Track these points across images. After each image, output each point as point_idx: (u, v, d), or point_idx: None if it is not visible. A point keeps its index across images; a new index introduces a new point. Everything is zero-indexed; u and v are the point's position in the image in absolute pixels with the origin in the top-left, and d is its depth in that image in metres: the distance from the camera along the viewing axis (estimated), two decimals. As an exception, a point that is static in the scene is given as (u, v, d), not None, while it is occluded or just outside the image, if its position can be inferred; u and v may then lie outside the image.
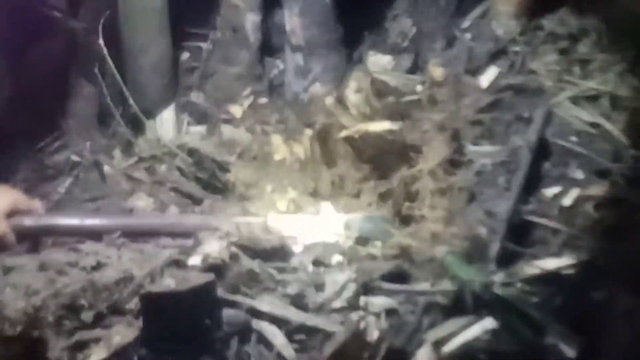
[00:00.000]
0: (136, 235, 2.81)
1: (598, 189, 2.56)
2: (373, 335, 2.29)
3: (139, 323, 2.36)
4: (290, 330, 2.35)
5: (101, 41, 3.18)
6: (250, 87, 3.47)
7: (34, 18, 3.15)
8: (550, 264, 2.40)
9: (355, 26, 3.43)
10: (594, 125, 2.74)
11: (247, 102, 3.43)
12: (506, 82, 3.01)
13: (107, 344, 2.35)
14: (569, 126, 2.77)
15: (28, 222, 2.83)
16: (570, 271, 2.36)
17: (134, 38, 3.36)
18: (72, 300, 2.42)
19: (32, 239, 2.84)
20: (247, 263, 2.51)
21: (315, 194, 3.14)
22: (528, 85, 2.96)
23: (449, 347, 2.26)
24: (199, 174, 3.14)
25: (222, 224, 2.71)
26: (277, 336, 2.34)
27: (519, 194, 2.61)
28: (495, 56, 3.12)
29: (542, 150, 2.72)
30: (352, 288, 2.44)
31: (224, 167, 3.18)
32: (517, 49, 3.10)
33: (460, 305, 2.34)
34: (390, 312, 2.38)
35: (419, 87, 3.23)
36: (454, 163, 2.85)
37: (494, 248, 2.47)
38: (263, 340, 2.34)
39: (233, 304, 2.39)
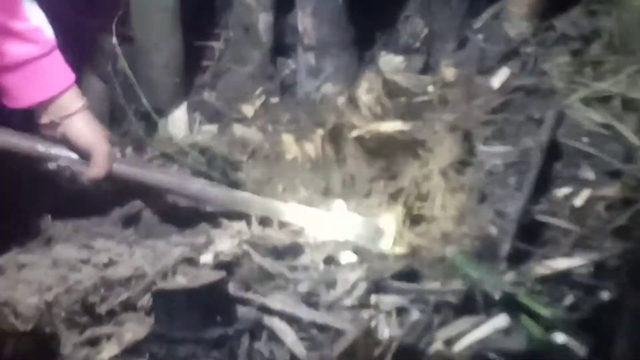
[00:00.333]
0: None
1: (609, 190, 2.56)
2: (384, 333, 2.30)
3: (151, 320, 2.38)
4: (301, 328, 2.36)
5: (114, 39, 3.19)
6: (262, 86, 3.47)
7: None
8: (561, 264, 2.40)
9: (367, 27, 3.43)
10: (605, 126, 2.74)
11: (258, 102, 3.43)
12: (518, 83, 3.01)
13: (119, 340, 2.37)
14: (580, 127, 2.77)
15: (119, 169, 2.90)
16: (581, 271, 2.36)
17: (146, 37, 3.36)
18: (85, 297, 2.43)
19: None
20: (259, 260, 2.52)
21: (326, 193, 3.14)
22: (540, 86, 2.96)
23: (459, 346, 2.26)
24: (211, 173, 3.15)
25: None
26: (288, 334, 2.35)
27: (530, 194, 2.61)
28: (507, 57, 3.12)
29: (553, 150, 2.72)
30: (363, 286, 2.45)
31: (235, 166, 3.19)
32: (529, 50, 3.10)
33: (471, 304, 2.34)
34: (400, 311, 2.38)
35: (430, 88, 3.23)
36: (465, 163, 2.86)
37: (505, 248, 2.47)
38: (274, 337, 2.35)
39: (244, 302, 2.40)
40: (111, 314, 2.44)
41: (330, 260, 2.59)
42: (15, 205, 2.96)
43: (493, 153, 2.83)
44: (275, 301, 2.40)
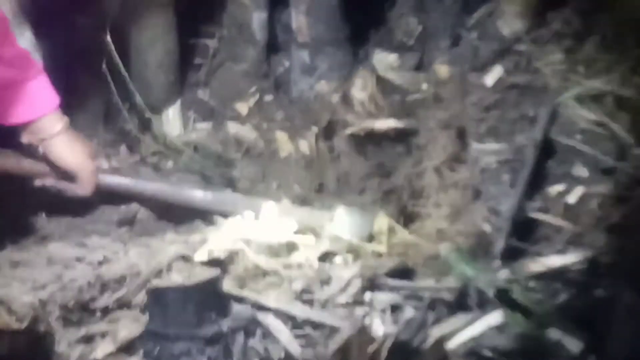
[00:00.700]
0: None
1: (603, 187, 2.57)
2: (378, 330, 2.31)
3: (146, 317, 2.38)
4: (296, 325, 2.36)
5: (108, 37, 3.19)
6: (256, 84, 3.47)
7: (40, 14, 3.15)
8: (555, 261, 2.41)
9: (361, 24, 3.43)
10: (598, 124, 2.75)
11: (253, 100, 3.43)
12: (511, 80, 3.01)
13: (114, 338, 2.37)
14: (573, 125, 2.77)
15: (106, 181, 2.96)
16: (575, 268, 2.37)
17: (140, 34, 3.36)
18: (79, 295, 2.43)
19: None
20: (253, 258, 2.52)
21: (320, 191, 3.15)
22: (533, 84, 2.96)
23: (453, 343, 2.27)
24: (205, 171, 3.15)
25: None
26: (282, 331, 2.35)
27: (524, 192, 2.61)
28: (500, 55, 3.12)
29: (546, 148, 2.73)
30: (357, 284, 2.45)
31: (229, 164, 3.19)
32: (522, 48, 3.10)
33: (465, 301, 2.35)
34: (395, 308, 2.39)
35: (424, 86, 3.24)
36: (458, 161, 2.87)
37: (499, 245, 2.48)
38: (268, 335, 2.35)
39: (239, 299, 2.41)
40: (106, 311, 2.44)
41: (324, 258, 2.59)
42: (10, 203, 2.96)
43: (487, 150, 2.83)
44: (270, 298, 2.40)
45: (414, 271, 2.54)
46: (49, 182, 2.89)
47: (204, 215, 2.94)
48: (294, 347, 2.31)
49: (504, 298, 2.30)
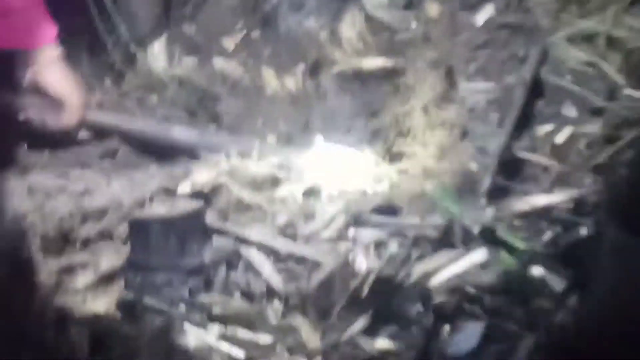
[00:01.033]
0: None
1: (591, 127, 2.55)
2: (361, 266, 2.29)
3: (127, 249, 2.36)
4: (278, 260, 2.35)
5: (94, -31, 3.14)
6: (243, 19, 3.42)
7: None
8: (541, 200, 2.40)
9: (351, -39, 3.37)
10: (589, 64, 2.72)
11: (239, 35, 3.38)
12: (502, 20, 2.98)
13: (95, 268, 2.36)
14: (564, 65, 2.75)
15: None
16: (561, 207, 2.36)
17: (126, -33, 3.31)
18: (60, 225, 2.41)
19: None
20: (237, 192, 2.50)
21: (306, 129, 3.12)
22: (524, 23, 2.93)
23: (437, 280, 2.26)
24: (190, 105, 3.12)
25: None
26: (264, 265, 2.34)
27: (512, 131, 2.60)
28: (491, -7, 3.09)
29: (536, 88, 2.71)
30: (341, 219, 2.43)
31: (215, 99, 3.16)
32: (514, -14, 3.06)
33: (450, 239, 2.34)
34: (379, 244, 2.37)
35: (413, 24, 3.19)
36: (446, 100, 2.84)
37: (485, 183, 2.46)
38: (251, 268, 2.34)
39: (221, 232, 2.39)
40: (87, 242, 2.42)
41: (309, 193, 2.57)
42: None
43: (475, 90, 2.81)
44: (253, 232, 2.39)
45: (399, 208, 2.52)
46: (33, 113, 2.83)
47: (188, 150, 2.90)
48: (276, 281, 2.30)
49: (488, 235, 2.29)
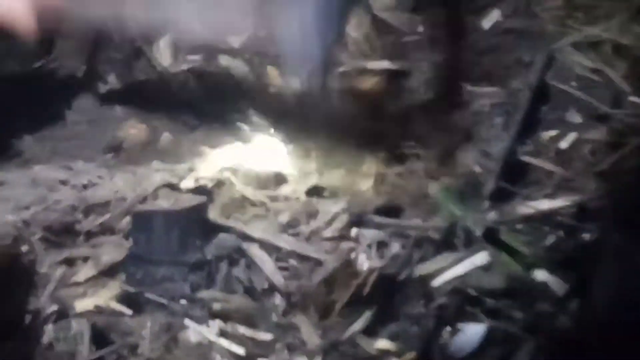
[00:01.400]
0: None
1: (595, 134, 2.55)
2: (363, 265, 2.29)
3: (129, 243, 2.36)
4: (280, 257, 2.34)
5: (101, -38, 3.13)
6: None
7: None
8: (544, 204, 2.40)
9: (358, -38, 3.37)
10: (595, 71, 2.73)
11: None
12: (508, 25, 2.98)
13: (96, 262, 2.35)
14: (569, 71, 2.75)
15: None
16: (564, 213, 2.36)
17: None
18: (63, 218, 2.41)
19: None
20: (240, 188, 2.50)
21: (309, 129, 3.12)
22: (530, 29, 2.93)
23: (438, 281, 2.26)
24: (195, 102, 3.11)
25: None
26: (266, 262, 2.34)
27: (516, 135, 2.60)
28: (499, -2, 3.09)
29: (541, 93, 2.71)
30: (344, 219, 2.43)
31: (220, 97, 3.15)
32: (521, -9, 3.07)
33: (452, 240, 2.34)
34: (381, 245, 2.37)
35: (420, 27, 3.19)
36: (452, 103, 2.83)
37: (489, 187, 2.46)
38: (252, 265, 2.33)
39: (224, 228, 2.39)
40: (89, 235, 2.42)
41: (312, 192, 2.57)
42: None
43: (480, 93, 2.81)
44: (255, 229, 2.38)
45: (402, 209, 2.52)
46: None
47: (192, 146, 2.90)
48: (278, 279, 2.30)
49: (491, 238, 2.29)
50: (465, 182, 2.51)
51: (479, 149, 2.61)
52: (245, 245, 2.36)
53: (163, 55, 3.32)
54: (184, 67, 3.26)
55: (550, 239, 2.30)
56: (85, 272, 2.34)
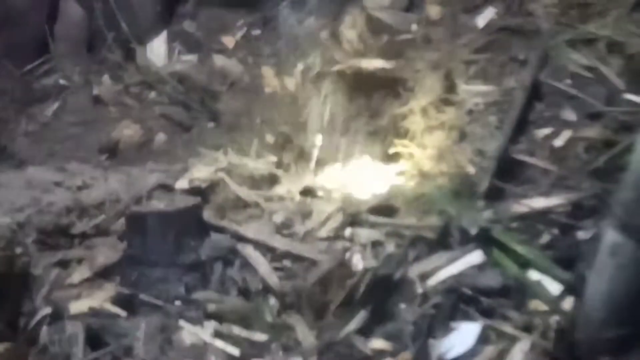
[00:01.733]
0: None
1: (590, 131, 2.54)
2: (358, 265, 2.29)
3: (123, 245, 2.35)
4: (275, 258, 2.34)
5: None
6: (244, 18, 3.42)
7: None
8: (539, 203, 2.38)
9: (353, -39, 3.37)
10: (589, 68, 2.71)
11: (240, 33, 3.39)
12: (503, 23, 2.97)
13: (91, 264, 2.35)
14: (564, 69, 2.74)
15: None
16: (558, 211, 2.35)
17: (128, -37, 3.31)
18: (57, 219, 2.41)
19: None
20: (235, 189, 2.50)
21: (304, 129, 3.12)
22: (525, 27, 2.92)
23: (433, 280, 2.25)
24: (189, 102, 3.12)
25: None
26: (261, 262, 2.33)
27: (511, 134, 2.58)
28: (493, -4, 3.08)
29: (535, 91, 2.70)
30: (338, 219, 2.43)
31: (214, 96, 3.16)
32: (515, -11, 3.06)
33: (447, 240, 2.33)
34: (376, 244, 2.37)
35: (414, 26, 3.19)
36: (446, 102, 2.83)
37: (483, 185, 2.45)
38: (247, 266, 2.33)
39: (218, 229, 2.38)
40: (84, 237, 2.42)
41: (306, 192, 2.57)
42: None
43: (475, 92, 2.80)
44: (250, 230, 2.38)
45: (397, 209, 2.51)
46: None
47: (186, 147, 2.91)
48: (272, 279, 2.29)
49: (486, 237, 2.28)
50: (460, 181, 2.50)
51: (473, 148, 2.60)
52: (240, 246, 2.36)
53: (157, 55, 3.33)
54: (178, 67, 3.27)
55: (545, 237, 2.28)
56: (79, 274, 2.34)
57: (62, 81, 3.36)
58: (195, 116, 3.10)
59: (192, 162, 2.66)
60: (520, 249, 2.24)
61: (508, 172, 2.52)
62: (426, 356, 2.09)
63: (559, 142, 2.56)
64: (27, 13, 3.37)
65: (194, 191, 2.46)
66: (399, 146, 2.83)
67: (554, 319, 2.02)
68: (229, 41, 3.38)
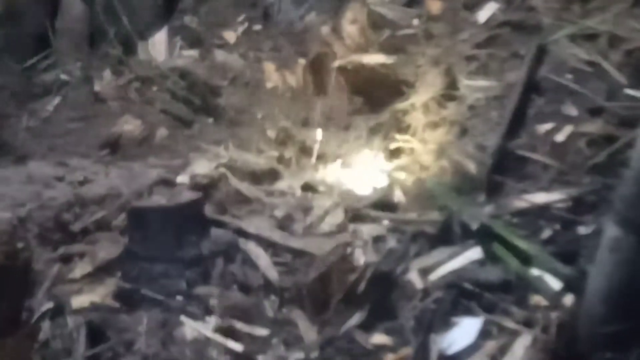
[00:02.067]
0: None
1: (591, 126, 2.54)
2: (359, 260, 2.29)
3: (125, 240, 2.35)
4: (276, 253, 2.34)
5: (95, -42, 3.14)
6: (245, 13, 3.43)
7: None
8: (540, 198, 2.38)
9: (354, -44, 3.37)
10: (590, 63, 2.71)
11: (241, 28, 3.40)
12: (504, 18, 2.98)
13: (92, 258, 2.35)
14: (565, 64, 2.74)
15: None
16: (559, 206, 2.35)
17: (129, -43, 3.31)
18: (58, 214, 2.41)
19: None
20: (236, 184, 2.50)
21: (306, 124, 3.12)
22: (526, 22, 2.93)
23: (434, 275, 2.25)
24: (190, 97, 3.12)
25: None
26: (262, 257, 2.33)
27: (511, 129, 2.59)
28: (494, -9, 3.08)
29: (537, 86, 2.70)
30: (339, 214, 2.43)
31: (215, 92, 3.16)
32: (517, -16, 3.06)
33: (448, 235, 2.33)
34: (377, 239, 2.37)
35: (415, 21, 3.20)
36: (447, 97, 2.83)
37: (484, 180, 2.45)
38: (248, 261, 2.33)
39: (220, 224, 2.38)
40: (85, 232, 2.42)
41: (307, 187, 2.57)
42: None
43: (476, 87, 2.80)
44: (251, 225, 2.38)
45: (398, 204, 2.52)
46: None
47: (187, 142, 2.91)
48: (273, 274, 2.29)
49: (486, 232, 2.28)
50: (461, 176, 2.50)
51: (474, 143, 2.60)
52: (241, 241, 2.35)
53: (158, 50, 3.33)
54: (179, 62, 3.27)
55: (546, 233, 2.28)
56: (81, 269, 2.34)
57: (63, 76, 3.36)
58: (197, 111, 3.09)
59: (193, 157, 2.67)
60: (521, 244, 2.24)
61: (509, 167, 2.52)
62: (427, 351, 2.09)
63: (560, 137, 2.56)
64: (28, 8, 3.36)
65: (195, 186, 2.46)
66: (400, 141, 2.84)
67: (555, 314, 2.02)
68: (230, 36, 3.38)
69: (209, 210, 2.40)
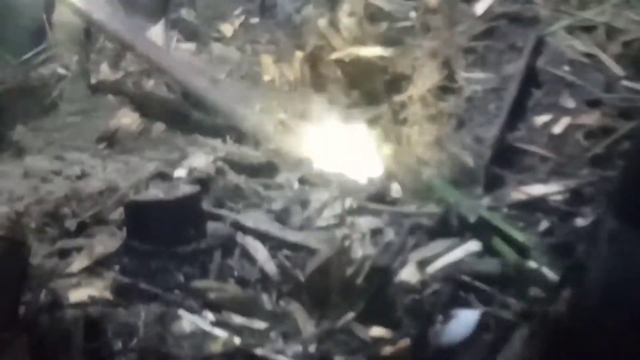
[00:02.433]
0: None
1: (589, 118, 2.54)
2: (357, 253, 2.29)
3: (122, 234, 2.35)
4: (274, 246, 2.34)
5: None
6: (242, 6, 3.43)
7: None
8: (537, 190, 2.39)
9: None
10: (588, 55, 2.72)
11: (238, 21, 3.39)
12: (502, 10, 2.98)
13: (90, 253, 2.34)
14: (562, 55, 2.74)
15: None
16: (557, 198, 2.35)
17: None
18: (56, 208, 2.40)
19: None
20: (233, 178, 2.50)
21: (303, 117, 3.11)
22: (524, 13, 2.93)
23: (432, 268, 2.25)
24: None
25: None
26: (259, 251, 2.33)
27: (509, 121, 2.59)
28: (492, -17, 3.08)
29: (534, 78, 2.70)
30: (337, 207, 2.43)
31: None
32: (514, -24, 3.06)
33: (446, 227, 2.33)
34: (375, 232, 2.37)
35: (412, 13, 3.19)
36: (444, 89, 2.83)
37: (482, 173, 2.46)
38: (246, 254, 2.32)
39: (218, 218, 2.38)
40: (82, 226, 2.41)
41: (305, 180, 2.57)
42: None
43: (473, 79, 2.80)
44: (249, 218, 2.38)
45: (396, 197, 2.52)
46: None
47: (184, 135, 2.90)
48: (271, 268, 2.29)
49: (484, 225, 2.28)
50: (458, 168, 2.50)
51: (472, 135, 2.60)
52: (239, 235, 2.35)
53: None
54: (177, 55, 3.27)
55: (543, 225, 2.29)
56: (78, 263, 2.33)
57: (60, 70, 3.34)
58: (194, 104, 3.08)
59: (190, 150, 2.66)
60: (519, 236, 2.24)
61: (507, 160, 2.53)
62: (425, 343, 2.09)
63: (557, 129, 2.57)
64: (25, 1, 3.35)
65: (192, 180, 2.46)
66: (398, 133, 2.83)
67: (553, 306, 2.02)
68: (227, 29, 3.38)
69: (206, 204, 2.39)
